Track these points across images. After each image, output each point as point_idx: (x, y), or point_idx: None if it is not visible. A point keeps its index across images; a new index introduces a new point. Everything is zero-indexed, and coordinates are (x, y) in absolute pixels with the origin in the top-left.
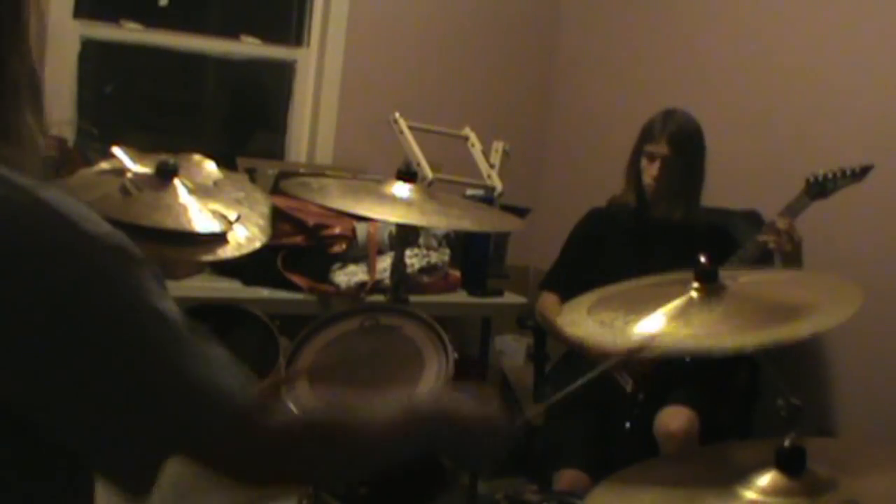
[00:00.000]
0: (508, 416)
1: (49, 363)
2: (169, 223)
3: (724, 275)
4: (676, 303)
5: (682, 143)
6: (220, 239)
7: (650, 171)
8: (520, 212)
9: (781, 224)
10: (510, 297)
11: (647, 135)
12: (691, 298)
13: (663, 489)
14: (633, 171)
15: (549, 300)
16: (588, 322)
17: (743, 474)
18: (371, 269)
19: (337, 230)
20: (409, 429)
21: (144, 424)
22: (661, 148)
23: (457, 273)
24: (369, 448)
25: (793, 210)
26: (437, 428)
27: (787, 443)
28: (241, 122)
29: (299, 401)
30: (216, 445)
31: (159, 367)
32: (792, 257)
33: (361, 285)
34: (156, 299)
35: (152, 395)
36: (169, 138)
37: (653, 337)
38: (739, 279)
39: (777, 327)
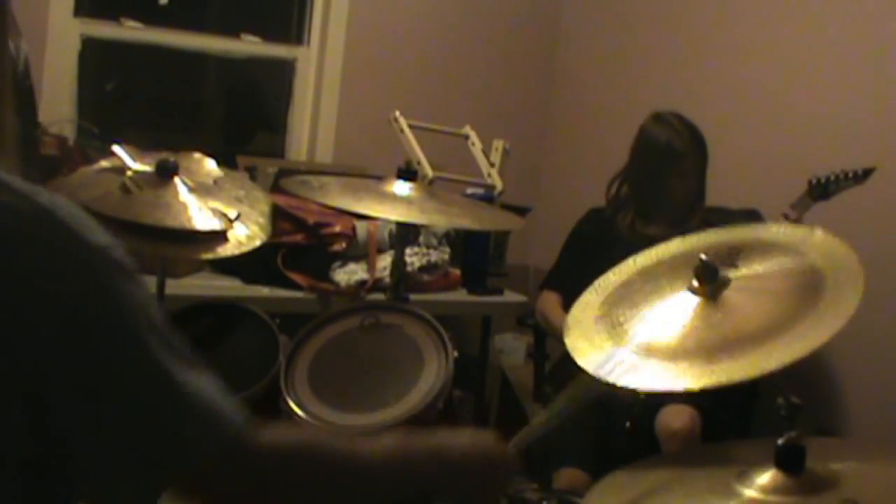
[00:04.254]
0: (506, 454)
1: (51, 377)
2: (169, 221)
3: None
4: (678, 315)
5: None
6: (220, 237)
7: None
8: (520, 210)
9: (791, 218)
10: (510, 296)
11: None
12: (694, 305)
13: (662, 487)
14: (649, 189)
15: (549, 300)
16: (594, 339)
17: (744, 473)
18: (371, 268)
19: (337, 229)
20: (403, 464)
21: (145, 446)
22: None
23: (457, 271)
24: (358, 479)
25: (795, 211)
26: (432, 465)
27: (782, 441)
28: (242, 121)
29: (301, 401)
30: (212, 468)
31: (158, 387)
32: None
33: (361, 284)
34: (153, 317)
35: (152, 416)
36: (169, 136)
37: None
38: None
39: (785, 342)
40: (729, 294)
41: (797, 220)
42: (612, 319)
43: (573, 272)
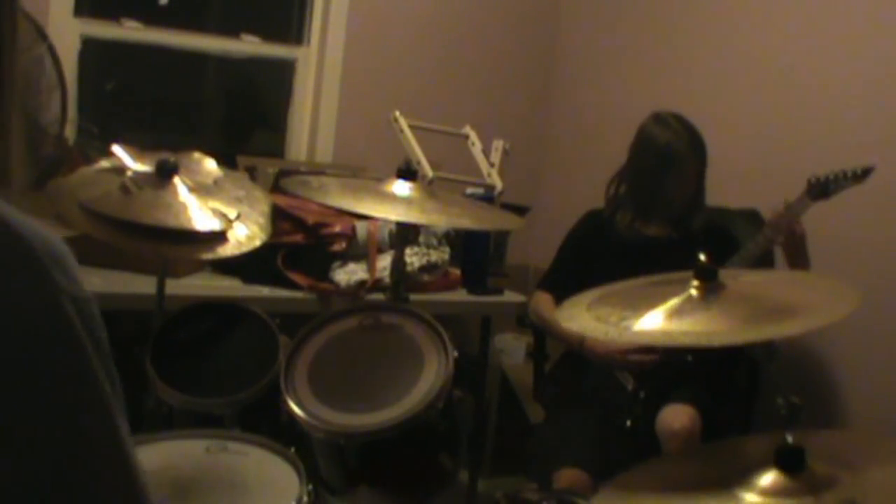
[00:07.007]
0: None
1: None
2: (169, 221)
3: (725, 274)
4: (675, 301)
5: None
6: (220, 237)
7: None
8: (520, 210)
9: (783, 216)
10: (510, 296)
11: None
12: (690, 296)
13: (666, 489)
14: (647, 190)
15: (542, 298)
16: (585, 316)
17: (744, 474)
18: (371, 268)
19: (337, 228)
20: None
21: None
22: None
23: (457, 271)
24: None
25: (794, 210)
26: None
27: (785, 441)
28: (242, 121)
29: (301, 401)
30: None
31: (109, 451)
32: (795, 250)
33: (361, 284)
34: (115, 383)
35: (93, 480)
36: (169, 137)
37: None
38: (739, 279)
39: (770, 325)
40: (724, 295)
41: (793, 218)
42: (607, 300)
43: (568, 274)
